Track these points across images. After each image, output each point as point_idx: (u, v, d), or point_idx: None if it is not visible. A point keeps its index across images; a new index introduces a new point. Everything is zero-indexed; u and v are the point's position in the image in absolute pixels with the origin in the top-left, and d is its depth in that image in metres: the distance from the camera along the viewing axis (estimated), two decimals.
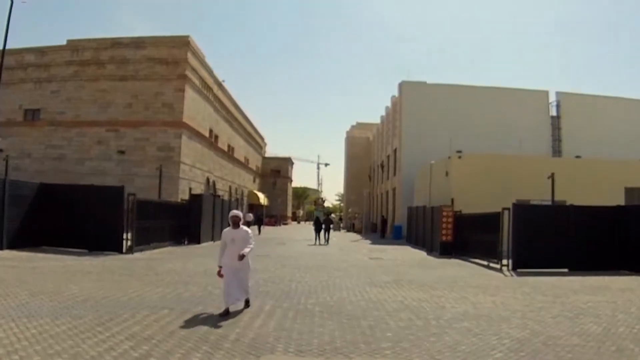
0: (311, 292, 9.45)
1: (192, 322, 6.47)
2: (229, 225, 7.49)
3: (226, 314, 6.87)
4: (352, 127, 65.08)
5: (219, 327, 6.23)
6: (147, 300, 7.90)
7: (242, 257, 7.06)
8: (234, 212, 7.53)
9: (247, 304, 7.52)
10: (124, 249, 15.49)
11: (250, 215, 40.19)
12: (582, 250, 14.68)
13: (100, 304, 7.39)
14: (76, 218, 15.94)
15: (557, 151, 36.95)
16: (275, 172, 74.67)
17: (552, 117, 38.15)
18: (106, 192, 16.72)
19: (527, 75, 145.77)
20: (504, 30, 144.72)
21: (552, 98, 38.56)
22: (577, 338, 6.25)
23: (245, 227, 7.46)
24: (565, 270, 14.36)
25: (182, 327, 6.17)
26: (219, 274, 7.30)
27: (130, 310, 7.04)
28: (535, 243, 14.67)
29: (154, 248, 17.15)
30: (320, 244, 25.52)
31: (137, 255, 15.22)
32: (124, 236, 15.71)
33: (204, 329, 6.09)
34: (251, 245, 7.28)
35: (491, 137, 33.15)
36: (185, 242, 20.38)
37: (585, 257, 14.63)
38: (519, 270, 14.27)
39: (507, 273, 13.91)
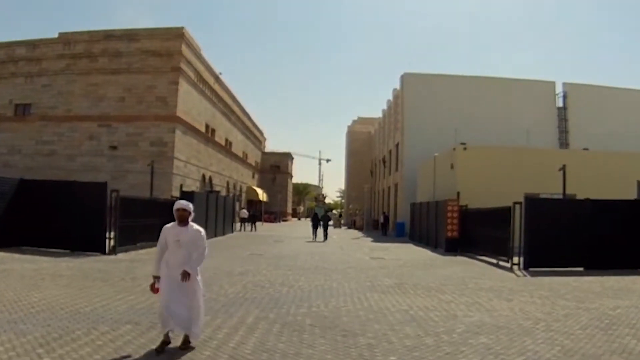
0: (303, 298, 8.39)
1: (157, 341, 5.38)
2: (174, 221, 5.33)
3: (164, 346, 5.03)
4: (354, 121, 64.13)
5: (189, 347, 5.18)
6: (112, 311, 6.85)
7: (186, 276, 5.03)
8: (182, 203, 5.33)
9: (186, 343, 5.15)
10: (107, 250, 14.48)
11: (245, 211, 38.76)
12: (599, 247, 13.74)
13: (56, 317, 6.35)
14: (58, 216, 14.92)
15: (564, 143, 35.91)
16: (275, 167, 73.35)
17: (559, 108, 37.11)
18: (89, 189, 15.69)
19: (532, 66, 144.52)
20: (509, 21, 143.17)
21: (559, 89, 37.49)
22: (618, 358, 5.19)
23: (196, 226, 5.33)
24: (581, 269, 13.43)
25: (142, 348, 5.11)
26: (153, 288, 5.24)
27: (87, 324, 5.99)
28: (549, 240, 13.71)
29: (141, 248, 16.11)
30: (318, 241, 24.59)
31: (120, 256, 14.20)
32: (107, 235, 14.70)
33: (168, 350, 5.04)
34: (203, 255, 5.26)
35: (496, 130, 32.16)
36: None
37: (601, 255, 13.72)
38: (531, 269, 13.33)
39: (519, 273, 12.95)
